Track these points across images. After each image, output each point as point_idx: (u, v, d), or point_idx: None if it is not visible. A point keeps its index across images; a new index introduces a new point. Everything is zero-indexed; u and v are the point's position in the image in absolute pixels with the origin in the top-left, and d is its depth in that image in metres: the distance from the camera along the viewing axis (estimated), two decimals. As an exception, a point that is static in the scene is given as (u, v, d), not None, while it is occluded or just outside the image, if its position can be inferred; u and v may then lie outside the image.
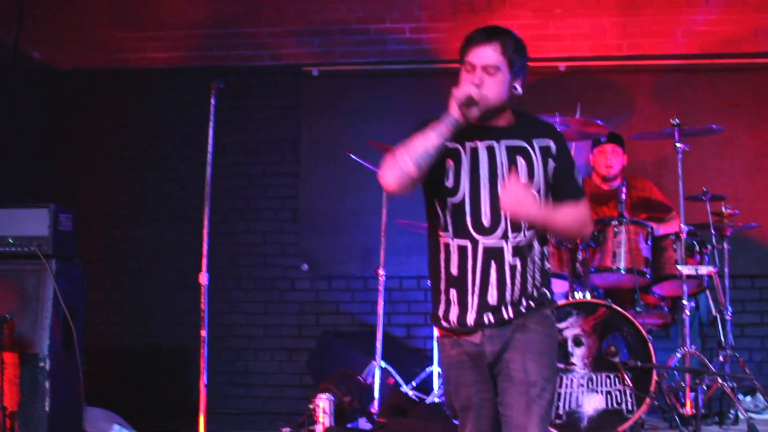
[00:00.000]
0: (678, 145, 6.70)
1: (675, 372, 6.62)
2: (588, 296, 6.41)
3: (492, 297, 3.86)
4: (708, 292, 7.26)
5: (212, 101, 5.76)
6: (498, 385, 3.91)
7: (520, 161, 3.86)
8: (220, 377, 8.10)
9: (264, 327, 8.68)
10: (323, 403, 6.33)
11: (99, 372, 7.46)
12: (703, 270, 6.61)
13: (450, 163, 3.89)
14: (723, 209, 7.03)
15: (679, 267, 6.56)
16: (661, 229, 7.22)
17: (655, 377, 6.20)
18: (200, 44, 8.79)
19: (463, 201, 3.87)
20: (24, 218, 6.09)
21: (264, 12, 8.71)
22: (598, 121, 6.83)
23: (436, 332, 4.30)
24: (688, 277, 6.61)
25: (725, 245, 7.08)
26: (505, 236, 3.83)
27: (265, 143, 8.81)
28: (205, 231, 5.68)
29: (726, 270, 7.12)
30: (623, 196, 6.64)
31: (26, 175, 8.54)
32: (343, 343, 7.97)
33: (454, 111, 3.79)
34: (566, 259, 6.60)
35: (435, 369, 7.43)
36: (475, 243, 3.86)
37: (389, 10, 8.62)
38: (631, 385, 6.13)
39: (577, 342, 6.27)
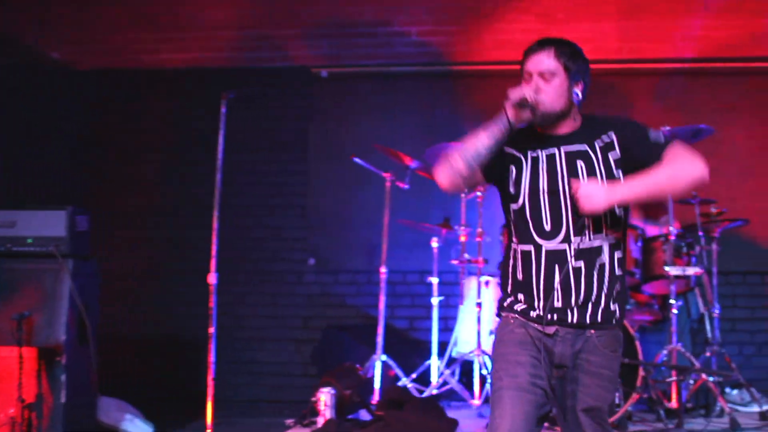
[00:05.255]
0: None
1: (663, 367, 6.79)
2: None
3: (557, 300, 3.84)
4: (697, 290, 7.42)
5: (222, 110, 5.89)
6: (560, 400, 3.92)
7: (580, 165, 3.84)
8: (229, 366, 8.25)
9: (272, 319, 8.83)
10: (325, 396, 6.57)
11: (115, 363, 7.67)
12: (690, 271, 6.83)
13: (512, 170, 3.94)
14: (712, 210, 7.28)
15: (667, 268, 6.77)
16: (652, 230, 7.46)
17: (641, 373, 6.40)
18: (215, 46, 8.86)
19: (523, 207, 3.90)
20: (43, 219, 6.11)
21: (275, 15, 8.81)
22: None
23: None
24: (676, 277, 6.81)
25: (714, 246, 7.30)
26: (567, 240, 3.82)
27: (277, 143, 8.93)
28: (215, 233, 5.81)
29: (714, 269, 7.32)
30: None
31: (50, 175, 8.62)
32: (347, 335, 8.17)
33: (508, 112, 3.80)
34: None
35: (434, 362, 7.57)
36: (538, 247, 3.87)
37: (397, 13, 8.71)
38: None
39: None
